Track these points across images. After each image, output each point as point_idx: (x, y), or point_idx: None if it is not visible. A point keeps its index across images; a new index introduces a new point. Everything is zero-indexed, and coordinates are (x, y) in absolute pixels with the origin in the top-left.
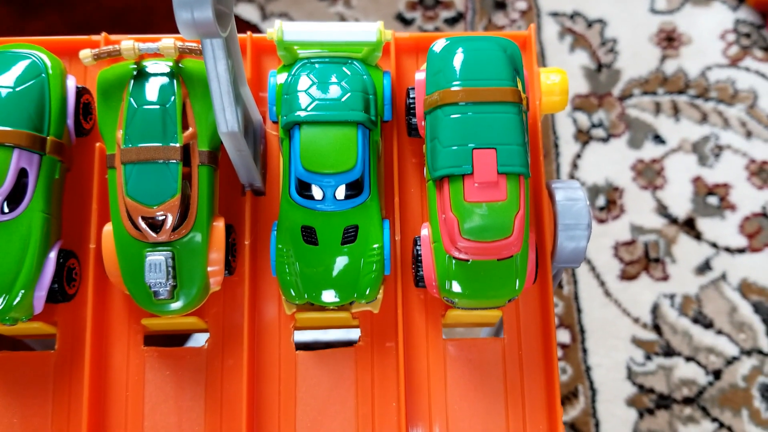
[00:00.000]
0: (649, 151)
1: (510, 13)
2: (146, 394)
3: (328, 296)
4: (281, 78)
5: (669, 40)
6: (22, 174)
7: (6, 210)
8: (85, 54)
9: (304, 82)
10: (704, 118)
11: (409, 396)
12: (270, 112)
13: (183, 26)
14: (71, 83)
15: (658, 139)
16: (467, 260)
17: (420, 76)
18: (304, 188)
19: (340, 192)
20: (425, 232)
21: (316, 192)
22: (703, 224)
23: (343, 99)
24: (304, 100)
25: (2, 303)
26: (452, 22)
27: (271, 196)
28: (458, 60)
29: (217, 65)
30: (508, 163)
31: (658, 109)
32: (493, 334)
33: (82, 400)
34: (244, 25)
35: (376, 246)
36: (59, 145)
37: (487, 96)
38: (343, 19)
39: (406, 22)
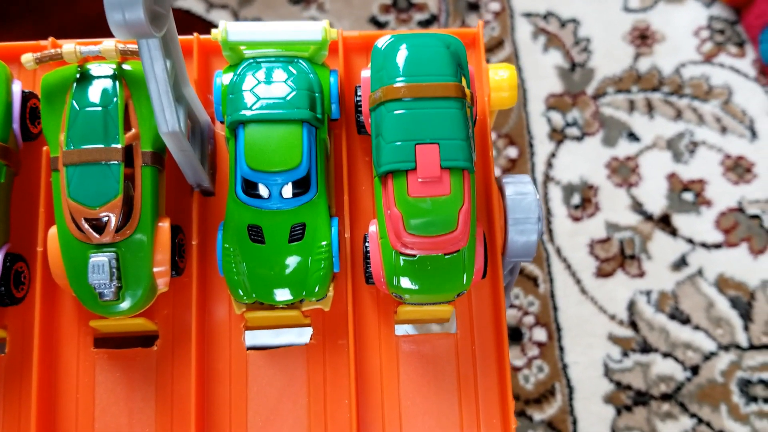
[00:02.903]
0: (624, 148)
1: (483, 14)
2: (96, 396)
3: (277, 295)
4: (226, 78)
5: (642, 38)
6: None
7: None
8: (27, 58)
9: (249, 81)
10: (679, 115)
11: (361, 393)
12: (216, 112)
13: (115, 27)
14: (17, 88)
15: (633, 136)
16: (414, 256)
17: (365, 73)
18: (250, 187)
19: (287, 190)
20: (373, 228)
21: (263, 190)
22: (679, 220)
23: (288, 97)
24: (249, 99)
25: None
26: (426, 24)
27: (221, 196)
28: (401, 56)
29: (155, 65)
30: (451, 158)
31: (632, 106)
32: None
33: (31, 404)
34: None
35: (324, 243)
36: (5, 150)
37: (429, 92)
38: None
39: (379, 25)
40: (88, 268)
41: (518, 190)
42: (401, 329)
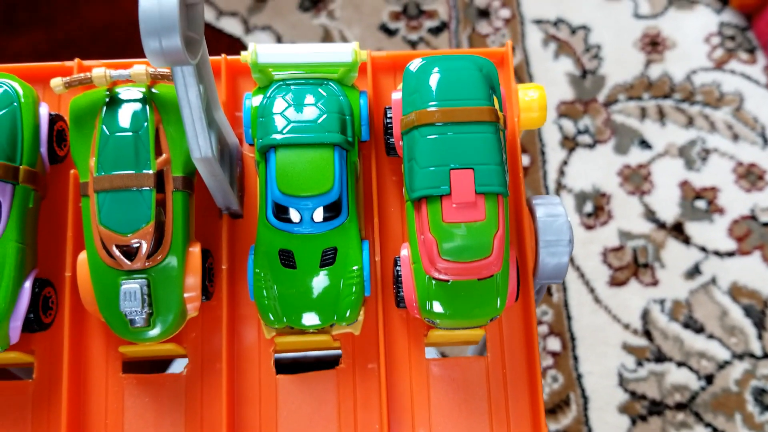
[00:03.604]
0: (636, 156)
1: (494, 22)
2: (125, 422)
3: (308, 319)
4: (256, 100)
5: (653, 44)
6: None
7: None
8: (56, 83)
9: (279, 104)
10: (690, 122)
11: (392, 418)
12: (246, 134)
13: (152, 55)
14: (44, 111)
15: (645, 144)
16: (447, 281)
17: (396, 95)
18: (281, 211)
19: (318, 214)
20: (405, 252)
21: (294, 215)
22: (692, 228)
23: (319, 121)
24: (279, 122)
25: None
26: (436, 31)
27: (249, 218)
28: (434, 80)
29: (189, 92)
30: (486, 183)
31: (643, 114)
32: (478, 351)
33: (61, 430)
34: (227, 39)
35: (355, 268)
36: (33, 174)
37: (463, 116)
38: (326, 30)
39: (390, 33)
40: (119, 295)
41: (549, 211)
42: (430, 352)
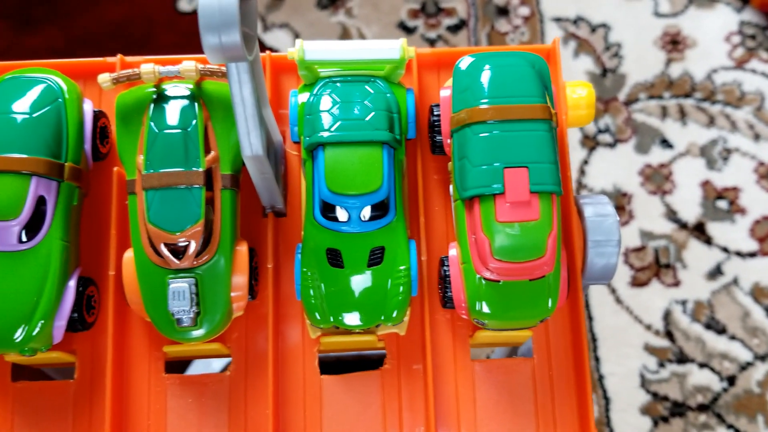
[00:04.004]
0: (657, 155)
1: (513, 19)
2: (168, 423)
3: (354, 319)
4: (302, 98)
5: (674, 43)
6: (41, 202)
7: (24, 239)
8: (104, 78)
9: (326, 101)
10: (711, 122)
11: (438, 420)
12: (291, 132)
13: (210, 51)
14: (88, 107)
15: (666, 143)
16: (498, 281)
17: (445, 93)
18: (328, 210)
19: (366, 213)
20: (453, 252)
21: (341, 214)
22: (714, 228)
23: (367, 118)
24: (327, 120)
25: (22, 334)
26: (455, 29)
27: (293, 217)
28: (486, 77)
29: (243, 89)
30: (540, 182)
31: (664, 113)
32: (507, 353)
33: (104, 430)
34: None
35: (402, 267)
36: (77, 171)
37: (516, 113)
38: (345, 28)
39: (408, 31)
40: (167, 294)
41: (598, 211)
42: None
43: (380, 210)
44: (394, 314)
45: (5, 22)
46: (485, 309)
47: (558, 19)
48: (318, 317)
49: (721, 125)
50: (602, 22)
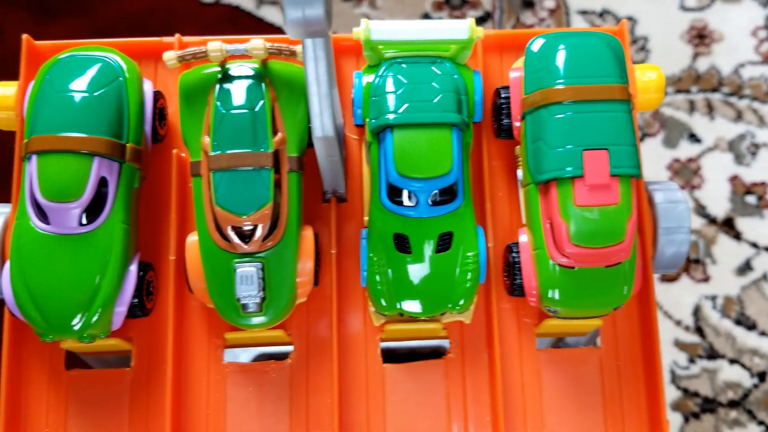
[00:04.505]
0: (685, 150)
1: (538, 12)
2: (228, 412)
3: (421, 306)
4: (367, 79)
5: (700, 37)
6: (102, 183)
7: (85, 221)
8: (170, 56)
9: (392, 83)
10: (739, 116)
11: (504, 410)
12: (355, 115)
13: (292, 25)
14: (148, 87)
15: (694, 137)
16: (573, 267)
17: (514, 74)
18: (395, 194)
19: (434, 198)
20: (524, 238)
21: (410, 198)
22: (743, 224)
23: (435, 100)
24: (394, 102)
25: (82, 320)
26: (479, 21)
27: (353, 202)
28: (561, 57)
29: (318, 66)
30: (620, 165)
31: (692, 107)
32: (552, 343)
33: (164, 420)
34: (268, 28)
35: (470, 254)
36: (138, 153)
37: (594, 94)
38: (368, 18)
39: None
40: (234, 279)
41: (669, 197)
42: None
43: (448, 195)
44: (461, 302)
45: (24, 13)
46: (559, 297)
47: (584, 12)
48: (384, 304)
49: (748, 120)
50: (628, 15)
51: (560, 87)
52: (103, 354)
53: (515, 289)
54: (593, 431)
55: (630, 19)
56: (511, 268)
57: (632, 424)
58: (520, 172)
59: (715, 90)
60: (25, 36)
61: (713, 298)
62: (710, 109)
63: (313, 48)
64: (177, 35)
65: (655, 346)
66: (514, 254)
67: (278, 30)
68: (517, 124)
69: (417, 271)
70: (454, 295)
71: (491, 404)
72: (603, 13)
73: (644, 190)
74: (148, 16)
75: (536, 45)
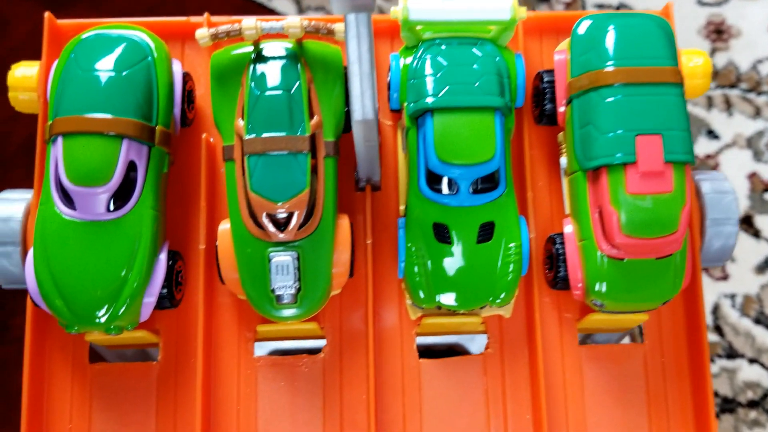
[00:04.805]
0: (703, 146)
1: (554, 6)
2: (259, 408)
3: (461, 299)
4: (404, 62)
5: (718, 32)
6: (131, 167)
7: (112, 207)
8: (202, 34)
9: (432, 65)
10: (757, 113)
11: (545, 408)
12: (391, 99)
13: None
14: (177, 68)
15: (712, 134)
16: (622, 259)
17: (559, 57)
18: (435, 181)
19: (475, 185)
20: (569, 228)
21: (450, 185)
22: (762, 221)
23: (477, 83)
24: (434, 85)
25: (109, 310)
26: None
27: (386, 190)
28: (611, 38)
29: (361, 44)
30: (674, 151)
31: (710, 103)
32: (616, 339)
33: (193, 416)
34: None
35: (513, 245)
36: (167, 136)
37: (647, 76)
38: (381, 11)
39: None
40: (269, 269)
41: (716, 187)
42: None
43: (490, 182)
44: (503, 295)
45: (33, 2)
46: (607, 290)
47: (600, 6)
48: (422, 296)
49: (767, 116)
50: (645, 9)
51: (610, 69)
52: (129, 347)
53: (558, 282)
54: (637, 428)
55: None
56: (555, 260)
57: (677, 423)
58: (563, 160)
59: (733, 86)
60: (47, 14)
61: (732, 297)
62: (728, 105)
63: (356, 24)
64: (206, 14)
65: (703, 342)
66: (557, 245)
67: None
68: (562, 109)
69: (457, 263)
70: (496, 288)
71: (532, 402)
72: (620, 8)
73: (692, 180)
74: (159, 6)
75: (583, 27)
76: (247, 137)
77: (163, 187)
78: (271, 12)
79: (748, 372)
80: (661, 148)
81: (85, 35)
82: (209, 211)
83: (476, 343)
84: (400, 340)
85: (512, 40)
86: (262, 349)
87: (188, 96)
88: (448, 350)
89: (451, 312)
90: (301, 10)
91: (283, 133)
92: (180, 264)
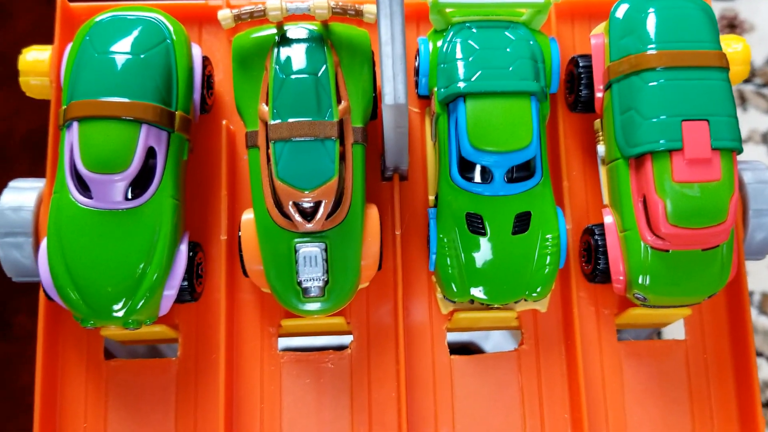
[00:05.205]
0: None
1: None
2: (283, 405)
3: (496, 293)
4: (433, 46)
5: (731, 27)
6: (150, 154)
7: (130, 196)
8: (225, 15)
9: (463, 49)
10: None
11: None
12: (419, 84)
13: None
14: (197, 52)
15: None
16: (667, 250)
17: (596, 41)
18: (469, 169)
19: (510, 174)
20: (609, 218)
21: (484, 173)
22: None
23: (510, 67)
24: (466, 69)
25: (127, 304)
26: None
27: (413, 180)
28: (652, 21)
29: (393, 24)
30: (721, 137)
31: None
32: (646, 335)
33: (215, 415)
34: None
35: (550, 237)
36: (187, 122)
37: (692, 60)
38: None
39: None
40: (296, 260)
41: (758, 177)
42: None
43: (526, 171)
44: (539, 289)
45: None
46: (651, 283)
47: None
48: (454, 290)
49: None
50: None
51: (653, 52)
52: (145, 343)
53: (597, 275)
54: (679, 427)
55: None
56: (593, 252)
57: (722, 422)
58: (600, 148)
59: (747, 81)
60: None
61: (750, 294)
62: (743, 100)
63: (389, 3)
64: None
65: (748, 338)
66: (597, 237)
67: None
68: (600, 95)
69: (491, 254)
70: (532, 282)
71: (570, 401)
72: None
73: None
74: None
75: (621, 10)
76: (272, 122)
77: (183, 175)
78: None
79: (766, 371)
80: (708, 135)
81: (100, 17)
82: (231, 201)
83: (490, 342)
84: (430, 336)
85: (544, 24)
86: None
87: (207, 81)
88: (461, 348)
89: (484, 306)
90: None
91: (310, 119)
92: (200, 255)
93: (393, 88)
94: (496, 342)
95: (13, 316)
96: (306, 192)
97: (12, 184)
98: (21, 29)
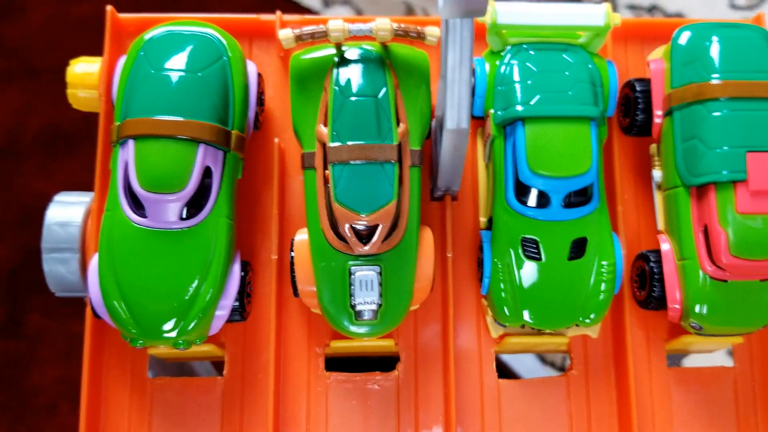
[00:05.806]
0: None
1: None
2: (329, 428)
3: (549, 319)
4: (490, 67)
5: None
6: (206, 174)
7: (185, 216)
8: (287, 35)
9: (521, 71)
10: None
11: None
12: (475, 105)
13: (452, 3)
14: (252, 69)
15: None
16: (725, 280)
17: (656, 66)
18: (521, 193)
19: (567, 199)
20: (666, 246)
21: (542, 198)
22: None
23: (570, 92)
24: (525, 92)
25: (178, 324)
26: None
27: (463, 201)
28: (716, 49)
29: (462, 50)
30: None
31: None
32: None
33: None
34: (304, 13)
35: (606, 263)
36: (242, 141)
37: (755, 91)
38: (409, 7)
39: None
40: (352, 283)
41: None
42: None
43: (583, 196)
44: (592, 316)
45: None
46: (707, 312)
47: (632, 7)
48: (507, 313)
49: None
50: (677, 11)
51: (717, 82)
52: (188, 360)
53: (652, 301)
54: None
55: (679, 15)
56: (648, 279)
57: None
58: (657, 173)
59: None
60: (109, 8)
61: None
62: None
63: (459, 29)
64: (278, 12)
65: None
66: (652, 264)
67: (316, 15)
68: (658, 120)
69: (547, 280)
70: (586, 308)
71: (620, 427)
72: (651, 9)
73: None
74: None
75: (684, 37)
76: (331, 145)
77: (236, 194)
78: (294, 5)
79: None
80: None
81: (153, 32)
82: (282, 221)
83: (521, 363)
84: (478, 359)
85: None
86: None
87: (259, 97)
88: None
89: (536, 331)
90: (326, 4)
91: (370, 142)
92: (250, 275)
93: (457, 113)
94: (525, 363)
95: (23, 314)
96: (364, 215)
97: (57, 197)
98: (34, 23)
